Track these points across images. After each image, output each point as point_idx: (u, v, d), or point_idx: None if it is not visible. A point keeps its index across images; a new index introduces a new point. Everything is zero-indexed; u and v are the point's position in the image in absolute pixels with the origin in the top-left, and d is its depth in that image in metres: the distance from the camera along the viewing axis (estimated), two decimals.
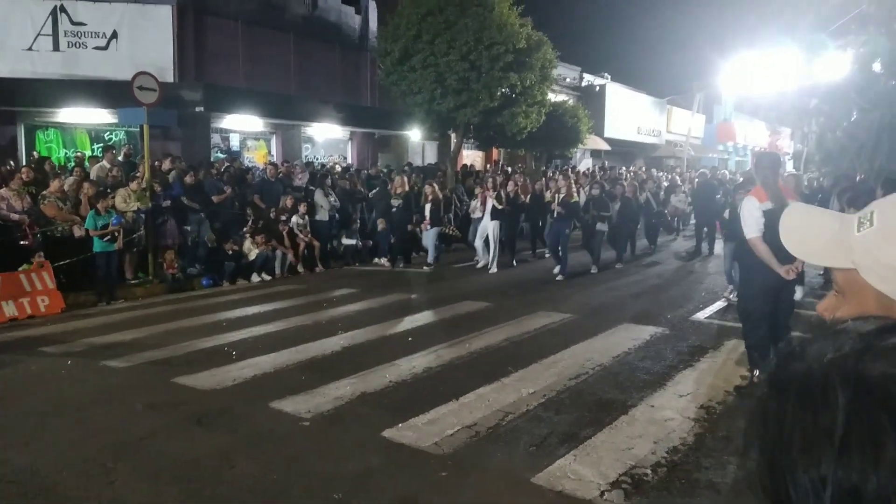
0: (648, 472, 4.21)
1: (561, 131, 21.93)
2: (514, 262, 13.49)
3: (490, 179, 13.49)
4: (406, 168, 18.79)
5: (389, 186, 14.08)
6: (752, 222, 5.30)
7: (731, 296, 9.11)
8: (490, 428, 4.89)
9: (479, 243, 13.04)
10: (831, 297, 0.95)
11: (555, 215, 11.86)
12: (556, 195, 12.01)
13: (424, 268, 12.94)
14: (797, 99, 16.65)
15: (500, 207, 12.34)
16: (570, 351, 6.95)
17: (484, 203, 12.88)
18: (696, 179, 22.38)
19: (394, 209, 13.42)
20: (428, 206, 13.07)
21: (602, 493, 3.91)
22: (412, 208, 13.59)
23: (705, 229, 14.54)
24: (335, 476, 4.11)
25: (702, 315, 8.73)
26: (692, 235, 15.61)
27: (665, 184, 21.68)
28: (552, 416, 5.15)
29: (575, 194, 12.16)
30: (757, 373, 5.72)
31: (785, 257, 5.34)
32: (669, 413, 5.22)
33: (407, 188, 13.63)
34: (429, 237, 13.21)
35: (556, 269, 11.66)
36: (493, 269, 12.40)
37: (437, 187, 13.50)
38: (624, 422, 5.03)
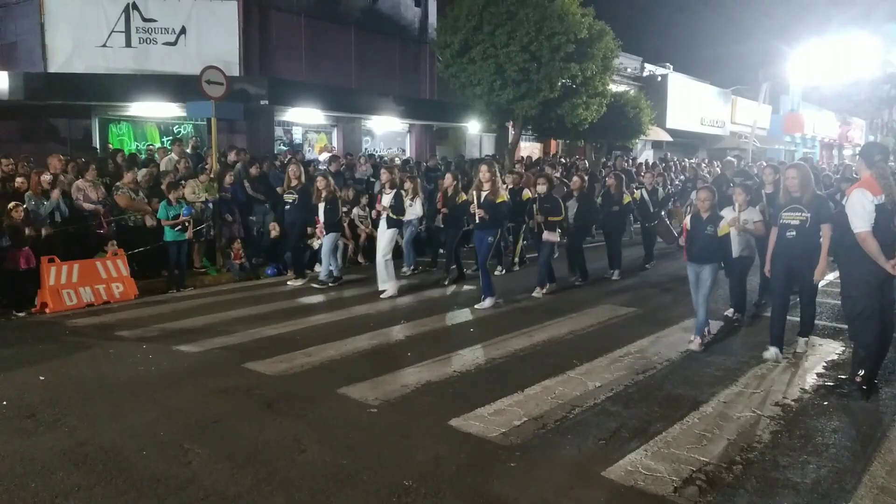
0: (723, 469, 4.09)
1: (622, 122, 21.54)
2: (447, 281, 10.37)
3: (386, 172, 9.83)
4: (461, 160, 18.76)
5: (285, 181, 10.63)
6: (864, 215, 5.08)
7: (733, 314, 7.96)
8: (557, 420, 4.85)
9: (384, 259, 9.50)
10: None
11: (476, 220, 8.61)
12: (478, 193, 8.57)
13: (313, 284, 10.07)
14: (873, 88, 15.92)
15: (393, 217, 9.34)
16: (636, 345, 6.83)
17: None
18: (717, 171, 20.41)
19: (287, 206, 10.39)
20: (321, 206, 9.84)
21: (676, 490, 3.83)
22: (309, 207, 10.08)
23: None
24: (404, 463, 4.14)
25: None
26: None
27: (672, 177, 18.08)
28: (621, 410, 5.07)
29: (503, 192, 8.70)
30: (862, 372, 5.42)
31: (888, 252, 5.11)
32: (742, 410, 5.08)
33: (303, 180, 10.27)
34: (325, 245, 10.11)
35: (484, 301, 8.62)
36: (390, 291, 9.22)
37: (331, 180, 10.19)
38: (695, 418, 4.92)
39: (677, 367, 6.20)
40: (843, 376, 5.70)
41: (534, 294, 9.30)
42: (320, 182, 9.93)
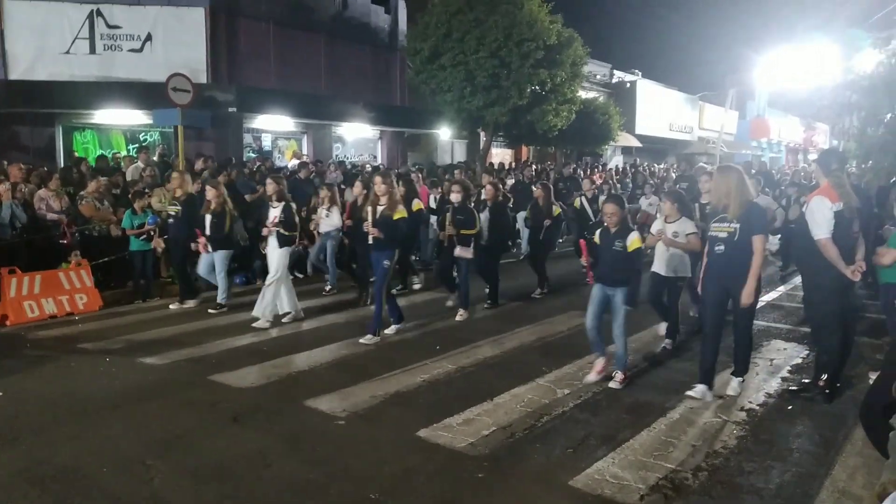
0: (689, 475, 4.13)
1: (591, 128, 21.74)
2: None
3: (272, 182, 8.39)
4: (432, 166, 18.75)
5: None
6: (823, 223, 5.16)
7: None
8: (526, 429, 4.85)
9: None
10: None
11: (370, 241, 7.29)
12: (373, 208, 7.28)
13: (210, 311, 8.85)
14: (835, 94, 16.27)
15: (285, 234, 8.05)
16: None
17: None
18: (675, 175, 19.99)
19: (170, 220, 9.32)
20: (208, 218, 8.76)
21: (642, 497, 3.85)
22: (195, 221, 8.90)
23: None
24: (372, 476, 4.10)
25: None
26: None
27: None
28: (589, 417, 5.09)
29: (402, 207, 7.34)
30: (825, 377, 5.50)
31: (848, 258, 5.20)
32: (709, 416, 5.13)
33: (188, 190, 9.26)
34: (205, 262, 8.94)
35: (368, 337, 7.31)
36: (262, 323, 7.99)
37: (222, 189, 9.01)
38: (662, 424, 4.95)
39: (645, 373, 6.25)
40: (806, 380, 5.79)
41: (457, 318, 8.44)
42: (210, 192, 8.86)
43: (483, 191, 9.66)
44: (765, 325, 8.12)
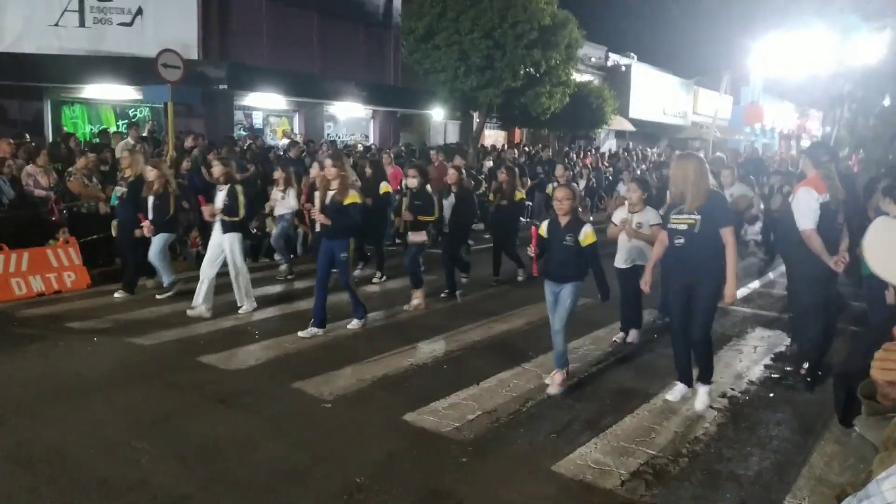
0: (669, 461, 4.19)
1: (585, 112, 21.72)
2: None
3: (218, 164, 7.93)
4: (422, 147, 18.68)
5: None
6: (809, 213, 5.20)
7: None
8: (511, 414, 4.90)
9: (208, 270, 7.80)
10: None
11: (317, 227, 7.14)
12: (323, 194, 6.97)
13: (157, 297, 8.51)
14: (829, 82, 16.24)
15: (228, 220, 7.55)
16: (591, 336, 6.93)
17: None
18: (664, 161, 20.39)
19: (116, 201, 8.92)
20: (151, 199, 8.25)
21: (623, 483, 3.91)
22: (138, 202, 8.41)
23: None
24: (357, 459, 4.14)
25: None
26: None
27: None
28: (573, 402, 5.15)
29: (354, 192, 6.90)
30: (806, 366, 5.60)
31: (832, 249, 5.26)
32: (691, 402, 5.18)
33: (139, 169, 8.63)
34: (153, 248, 8.38)
35: (354, 322, 7.20)
36: (247, 307, 7.84)
37: (164, 168, 8.53)
38: (645, 410, 5.02)
39: (630, 358, 6.31)
40: (788, 368, 5.87)
41: (405, 307, 8.10)
42: (150, 172, 8.32)
43: (452, 172, 9.13)
44: (751, 312, 8.20)
